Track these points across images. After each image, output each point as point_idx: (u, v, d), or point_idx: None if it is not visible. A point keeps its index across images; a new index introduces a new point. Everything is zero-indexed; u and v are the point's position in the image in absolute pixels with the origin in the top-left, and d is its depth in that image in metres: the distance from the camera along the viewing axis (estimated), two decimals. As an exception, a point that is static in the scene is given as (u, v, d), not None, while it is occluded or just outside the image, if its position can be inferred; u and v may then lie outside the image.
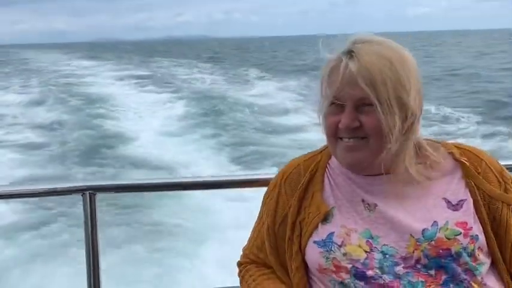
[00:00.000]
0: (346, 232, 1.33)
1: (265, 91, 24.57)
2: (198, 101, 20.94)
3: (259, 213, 1.52)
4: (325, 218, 1.36)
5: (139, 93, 25.34)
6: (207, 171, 10.97)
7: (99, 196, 1.94)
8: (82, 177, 10.73)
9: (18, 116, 19.54)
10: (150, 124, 17.08)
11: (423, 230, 1.30)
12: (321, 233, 1.35)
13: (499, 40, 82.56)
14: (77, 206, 2.81)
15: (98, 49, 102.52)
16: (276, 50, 76.11)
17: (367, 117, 1.27)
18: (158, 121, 17.63)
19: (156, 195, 8.14)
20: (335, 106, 1.31)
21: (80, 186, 1.96)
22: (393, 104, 1.25)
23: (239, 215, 7.03)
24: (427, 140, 1.42)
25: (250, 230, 1.55)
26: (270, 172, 1.77)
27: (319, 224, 1.36)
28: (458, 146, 1.43)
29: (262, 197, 1.51)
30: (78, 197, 1.94)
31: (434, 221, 1.31)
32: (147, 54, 68.36)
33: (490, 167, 1.40)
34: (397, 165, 1.34)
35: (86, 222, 1.93)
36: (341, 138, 1.32)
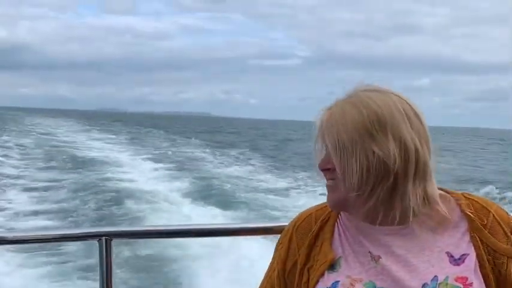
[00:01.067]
0: (350, 282, 1.33)
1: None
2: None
3: (272, 259, 1.51)
4: (332, 267, 1.37)
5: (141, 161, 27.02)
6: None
7: (115, 242, 1.94)
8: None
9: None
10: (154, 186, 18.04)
11: (423, 285, 1.30)
12: (326, 281, 1.35)
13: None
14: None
15: (100, 118, 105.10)
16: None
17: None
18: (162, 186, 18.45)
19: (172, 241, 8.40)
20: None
21: (96, 232, 1.98)
22: (347, 147, 1.28)
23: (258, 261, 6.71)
24: (440, 189, 1.39)
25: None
26: (284, 221, 1.72)
27: (326, 272, 1.36)
28: (467, 197, 1.40)
29: (275, 245, 1.52)
30: (94, 243, 1.94)
31: (435, 276, 1.30)
32: (149, 126, 71.02)
33: (497, 219, 1.36)
34: (407, 216, 1.32)
35: (101, 267, 1.93)
36: None
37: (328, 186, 1.37)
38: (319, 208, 1.48)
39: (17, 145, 32.31)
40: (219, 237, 2.89)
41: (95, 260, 2.01)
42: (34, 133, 44.48)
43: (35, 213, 13.48)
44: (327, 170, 1.35)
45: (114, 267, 1.91)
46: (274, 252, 1.51)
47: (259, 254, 7.01)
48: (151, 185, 18.04)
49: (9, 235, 2.15)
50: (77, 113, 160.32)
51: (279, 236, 1.54)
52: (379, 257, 1.34)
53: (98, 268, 1.92)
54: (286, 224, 1.54)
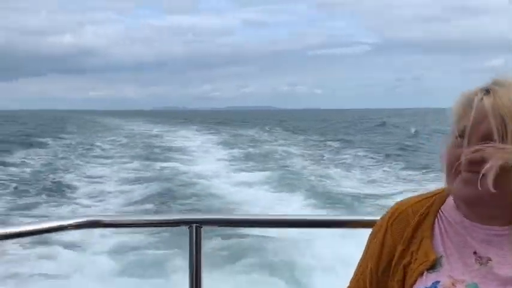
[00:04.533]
0: (452, 282, 1.27)
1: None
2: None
3: (364, 252, 1.47)
4: (432, 266, 1.31)
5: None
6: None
7: (205, 229, 1.98)
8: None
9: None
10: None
11: None
12: (426, 280, 1.29)
13: None
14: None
15: (163, 116, 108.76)
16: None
17: None
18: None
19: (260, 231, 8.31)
20: (460, 139, 1.28)
21: (187, 219, 2.02)
22: None
23: (341, 253, 7.23)
24: None
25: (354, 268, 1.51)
26: (374, 213, 1.75)
27: (425, 272, 1.30)
28: None
29: (368, 238, 1.47)
30: (184, 229, 1.98)
31: None
32: (213, 122, 72.49)
33: None
34: None
35: (190, 254, 1.97)
36: (460, 172, 1.28)
37: (465, 179, 1.25)
38: (417, 201, 1.43)
39: (103, 143, 34.68)
40: (306, 228, 2.56)
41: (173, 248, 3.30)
42: (116, 131, 47.75)
43: (127, 202, 13.82)
44: (474, 162, 1.23)
45: (203, 254, 1.94)
46: (367, 246, 1.46)
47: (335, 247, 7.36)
48: (239, 177, 17.89)
49: (105, 219, 2.07)
50: (142, 113, 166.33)
51: (367, 230, 1.51)
52: (489, 259, 1.28)
53: (188, 255, 1.96)
54: (377, 218, 1.49)
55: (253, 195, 14.59)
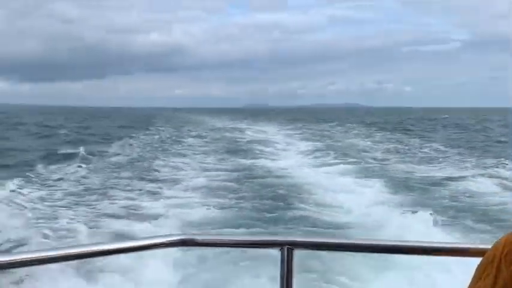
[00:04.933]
0: None
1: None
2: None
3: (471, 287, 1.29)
4: None
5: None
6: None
7: (297, 251, 1.93)
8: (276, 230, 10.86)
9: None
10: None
11: None
12: None
13: None
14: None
15: (250, 113, 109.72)
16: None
17: None
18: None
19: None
20: None
21: (279, 241, 1.98)
22: None
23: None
24: None
25: None
26: (482, 240, 1.44)
27: None
28: None
29: (476, 269, 1.29)
30: (276, 251, 1.94)
31: None
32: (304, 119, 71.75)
33: None
34: None
35: (281, 277, 1.92)
36: None
37: None
38: None
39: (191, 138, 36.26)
40: (405, 255, 2.14)
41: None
42: (203, 127, 49.92)
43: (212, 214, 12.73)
44: None
45: (294, 277, 1.90)
46: (475, 279, 1.27)
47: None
48: (334, 184, 16.22)
49: (198, 237, 2.07)
50: (229, 110, 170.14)
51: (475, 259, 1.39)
52: None
53: (278, 277, 1.92)
54: (487, 246, 1.40)
55: (345, 196, 13.95)
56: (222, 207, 13.02)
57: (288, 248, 1.91)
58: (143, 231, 10.36)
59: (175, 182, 16.94)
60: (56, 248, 2.08)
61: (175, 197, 14.42)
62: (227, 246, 2.23)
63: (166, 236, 2.00)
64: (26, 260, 1.67)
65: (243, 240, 2.29)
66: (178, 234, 2.01)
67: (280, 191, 14.86)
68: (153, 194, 14.88)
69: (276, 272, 1.93)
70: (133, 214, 12.38)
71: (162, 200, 13.99)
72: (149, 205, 13.32)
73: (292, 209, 12.75)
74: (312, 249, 2.42)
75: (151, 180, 17.31)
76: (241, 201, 13.83)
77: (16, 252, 7.70)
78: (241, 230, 10.91)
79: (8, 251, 8.58)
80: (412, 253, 2.11)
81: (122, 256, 6.72)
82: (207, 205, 13.19)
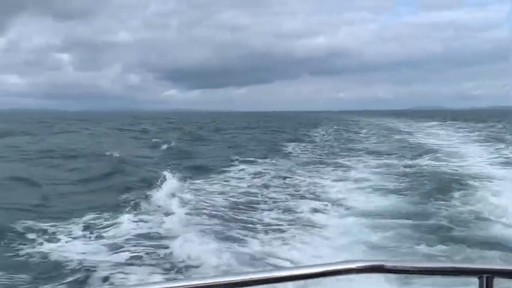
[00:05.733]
0: None
1: None
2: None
3: None
4: None
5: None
6: None
7: (497, 280, 1.82)
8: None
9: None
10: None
11: None
12: None
13: None
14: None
15: (421, 116, 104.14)
16: None
17: None
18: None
19: None
20: None
21: (478, 269, 1.87)
22: None
23: None
24: None
25: None
26: None
27: None
28: None
29: None
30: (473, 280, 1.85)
31: None
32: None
33: None
34: None
35: None
36: None
37: None
38: None
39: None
40: None
41: None
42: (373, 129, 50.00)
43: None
44: None
45: None
46: None
47: None
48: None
49: (388, 264, 1.98)
50: (397, 113, 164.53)
51: None
52: None
53: None
54: None
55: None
56: (401, 212, 11.91)
57: (488, 276, 1.81)
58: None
59: (350, 178, 17.09)
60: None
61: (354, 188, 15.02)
62: (420, 274, 1.99)
63: (354, 261, 1.94)
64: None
65: (437, 268, 2.09)
66: (367, 260, 1.95)
67: (470, 206, 12.48)
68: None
69: None
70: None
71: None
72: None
73: (488, 227, 10.67)
74: None
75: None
76: (419, 206, 12.53)
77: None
78: (426, 250, 9.29)
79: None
80: None
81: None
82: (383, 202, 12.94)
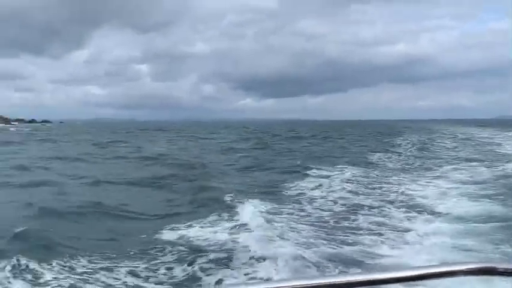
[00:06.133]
0: None
1: None
2: None
3: None
4: None
5: None
6: None
7: None
8: None
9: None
10: None
11: None
12: None
13: None
14: None
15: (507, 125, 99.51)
16: None
17: None
18: None
19: None
20: None
21: None
22: None
23: None
24: None
25: None
26: None
27: None
28: None
29: None
30: None
31: None
32: None
33: None
34: None
35: None
36: None
37: None
38: None
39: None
40: None
41: None
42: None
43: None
44: None
45: None
46: None
47: None
48: None
49: (500, 266, 1.82)
50: (478, 122, 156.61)
51: None
52: None
53: None
54: None
55: None
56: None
57: None
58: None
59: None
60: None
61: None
62: None
63: (462, 263, 1.84)
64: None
65: None
66: (476, 262, 1.84)
67: None
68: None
69: None
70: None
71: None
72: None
73: None
74: None
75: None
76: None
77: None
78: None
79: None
80: None
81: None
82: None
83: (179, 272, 8.38)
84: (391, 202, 14.28)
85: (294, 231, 10.84)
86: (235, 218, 12.06)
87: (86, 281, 7.82)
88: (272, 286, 1.69)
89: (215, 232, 10.83)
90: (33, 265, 8.30)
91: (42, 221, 11.98)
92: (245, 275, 8.07)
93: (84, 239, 10.64)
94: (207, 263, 8.63)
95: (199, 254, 9.06)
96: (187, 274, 8.28)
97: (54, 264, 8.49)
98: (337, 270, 8.24)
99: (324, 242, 9.99)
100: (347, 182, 18.07)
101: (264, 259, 8.62)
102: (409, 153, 32.90)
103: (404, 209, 13.12)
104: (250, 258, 8.78)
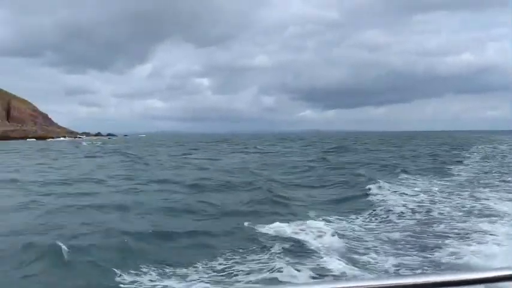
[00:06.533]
0: None
1: None
2: None
3: None
4: None
5: None
6: None
7: None
8: None
9: None
10: None
11: None
12: None
13: None
14: None
15: None
16: None
17: None
18: None
19: None
20: None
21: None
22: None
23: None
24: None
25: None
26: None
27: None
28: None
29: None
30: None
31: None
32: None
33: None
34: None
35: None
36: None
37: None
38: None
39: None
40: None
41: None
42: None
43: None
44: None
45: None
46: None
47: None
48: None
49: None
50: None
51: None
52: None
53: None
54: None
55: None
56: None
57: None
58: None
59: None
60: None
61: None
62: None
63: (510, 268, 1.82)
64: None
65: None
66: None
67: None
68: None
69: None
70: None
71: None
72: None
73: None
74: None
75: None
76: None
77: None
78: None
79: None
80: None
81: None
82: None
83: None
84: (469, 211, 14.51)
85: (383, 240, 11.43)
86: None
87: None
88: (333, 286, 1.67)
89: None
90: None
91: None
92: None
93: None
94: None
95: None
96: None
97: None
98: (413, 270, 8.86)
99: (413, 248, 10.52)
100: (425, 193, 18.39)
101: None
102: (483, 164, 32.67)
103: (484, 218, 13.34)
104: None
